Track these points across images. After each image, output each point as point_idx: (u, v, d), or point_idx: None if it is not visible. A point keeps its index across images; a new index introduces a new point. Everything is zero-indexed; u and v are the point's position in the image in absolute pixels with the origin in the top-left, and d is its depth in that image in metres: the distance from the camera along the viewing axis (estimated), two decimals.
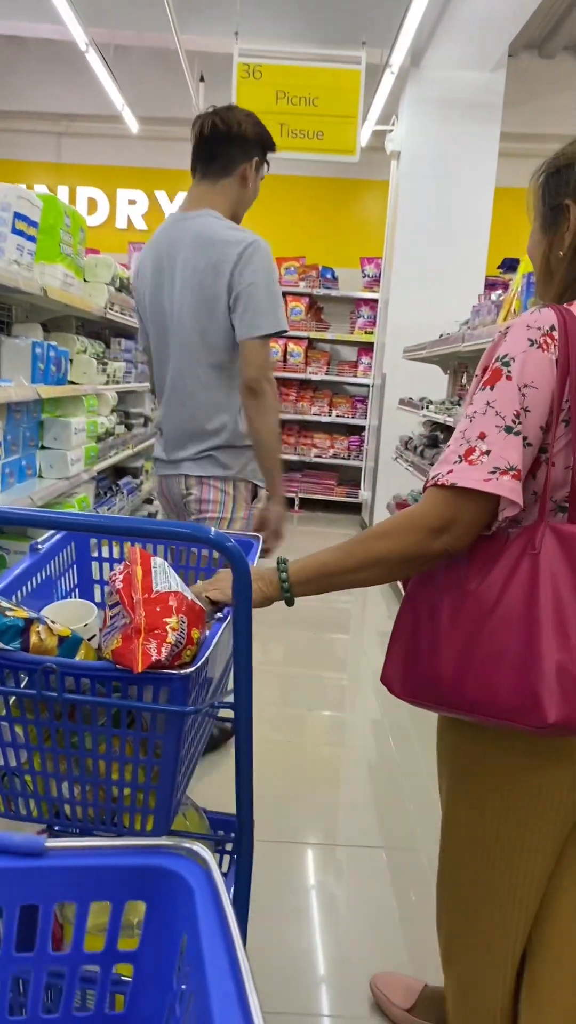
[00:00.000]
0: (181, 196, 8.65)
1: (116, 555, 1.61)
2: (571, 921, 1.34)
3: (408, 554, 1.24)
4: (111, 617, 1.18)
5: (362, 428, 8.18)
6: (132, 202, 8.61)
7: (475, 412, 1.22)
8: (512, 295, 3.25)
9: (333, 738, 3.30)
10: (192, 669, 1.07)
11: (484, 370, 1.25)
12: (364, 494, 7.47)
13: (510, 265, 3.80)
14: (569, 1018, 1.36)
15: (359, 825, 2.64)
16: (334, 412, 8.34)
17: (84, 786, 1.18)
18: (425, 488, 1.26)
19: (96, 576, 1.63)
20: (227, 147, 2.35)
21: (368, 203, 8.36)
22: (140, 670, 1.03)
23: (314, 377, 8.21)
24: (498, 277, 6.77)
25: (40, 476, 3.61)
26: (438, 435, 5.09)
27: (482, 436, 1.19)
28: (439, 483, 1.21)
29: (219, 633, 1.16)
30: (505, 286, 5.67)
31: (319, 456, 8.36)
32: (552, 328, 1.19)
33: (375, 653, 4.34)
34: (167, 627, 1.08)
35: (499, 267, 4.01)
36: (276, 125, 4.74)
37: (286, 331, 2.32)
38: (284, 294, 7.68)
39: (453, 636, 1.23)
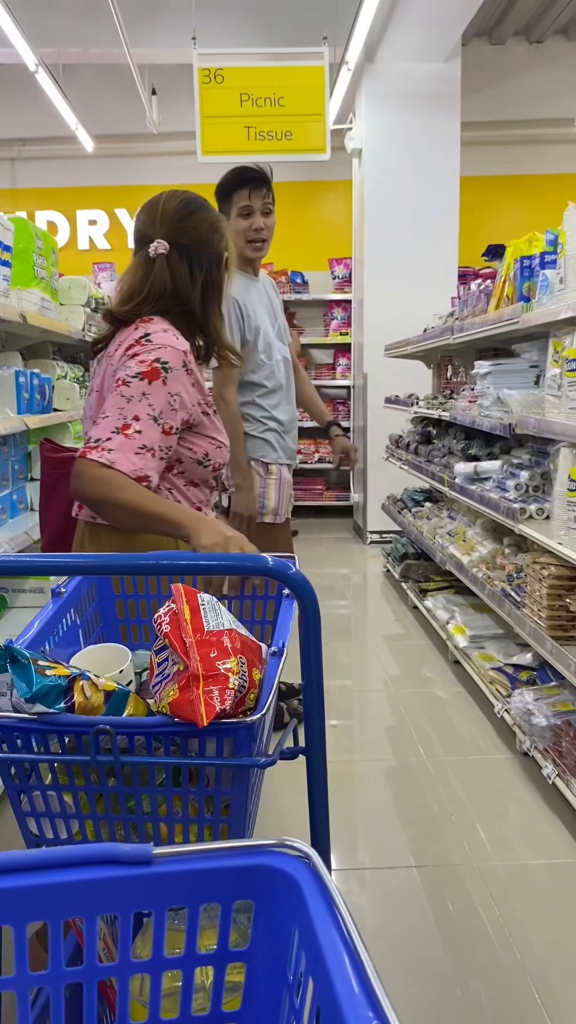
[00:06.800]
0: None
1: (140, 591, 1.50)
2: None
3: None
4: (159, 664, 1.07)
5: (345, 430, 8.08)
6: (93, 222, 8.47)
7: (132, 395, 1.58)
8: (503, 281, 3.17)
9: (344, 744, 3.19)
10: (259, 715, 0.97)
11: (133, 353, 1.62)
12: (355, 496, 7.36)
13: (495, 252, 3.71)
14: None
15: (385, 844, 2.52)
16: None
17: None
18: (83, 454, 1.52)
19: (120, 615, 1.51)
20: None
21: (331, 204, 8.28)
22: (205, 724, 0.93)
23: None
24: (468, 267, 6.72)
25: (32, 509, 3.48)
26: (431, 431, 5.00)
27: (136, 418, 1.57)
28: (101, 448, 1.51)
29: (279, 672, 1.06)
30: (476, 274, 5.59)
31: (305, 462, 8.25)
32: (187, 357, 1.67)
33: (387, 657, 4.24)
34: (227, 671, 0.98)
35: (484, 255, 3.92)
36: (243, 129, 4.64)
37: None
38: None
39: None
